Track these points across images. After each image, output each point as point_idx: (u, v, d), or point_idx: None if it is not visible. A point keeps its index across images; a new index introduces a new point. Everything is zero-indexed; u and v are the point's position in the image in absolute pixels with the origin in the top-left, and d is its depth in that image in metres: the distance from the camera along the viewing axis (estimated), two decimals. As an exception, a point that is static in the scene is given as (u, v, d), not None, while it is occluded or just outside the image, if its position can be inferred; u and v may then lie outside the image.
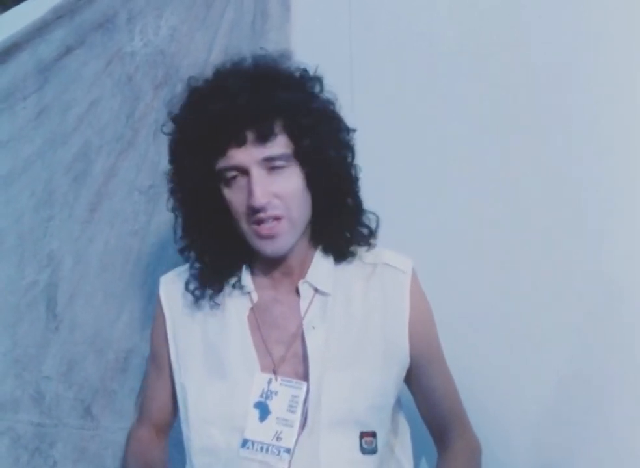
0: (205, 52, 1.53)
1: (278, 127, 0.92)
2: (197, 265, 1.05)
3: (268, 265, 1.03)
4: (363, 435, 0.97)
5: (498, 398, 1.24)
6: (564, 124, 1.21)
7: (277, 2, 1.48)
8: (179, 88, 1.56)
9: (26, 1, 1.86)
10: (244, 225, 0.96)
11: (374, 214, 1.05)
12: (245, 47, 1.49)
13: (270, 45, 1.45)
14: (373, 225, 1.05)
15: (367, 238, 1.05)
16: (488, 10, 1.28)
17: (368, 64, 1.38)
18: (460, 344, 1.18)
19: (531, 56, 1.24)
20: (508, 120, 1.26)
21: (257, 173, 0.92)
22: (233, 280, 1.03)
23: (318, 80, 1.00)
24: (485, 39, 1.29)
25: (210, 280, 1.03)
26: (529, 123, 1.24)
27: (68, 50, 1.71)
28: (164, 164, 1.59)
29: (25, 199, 1.75)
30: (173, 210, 1.04)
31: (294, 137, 0.94)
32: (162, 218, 1.54)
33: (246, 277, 1.04)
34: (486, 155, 1.27)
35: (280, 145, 0.93)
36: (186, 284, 1.05)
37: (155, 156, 1.58)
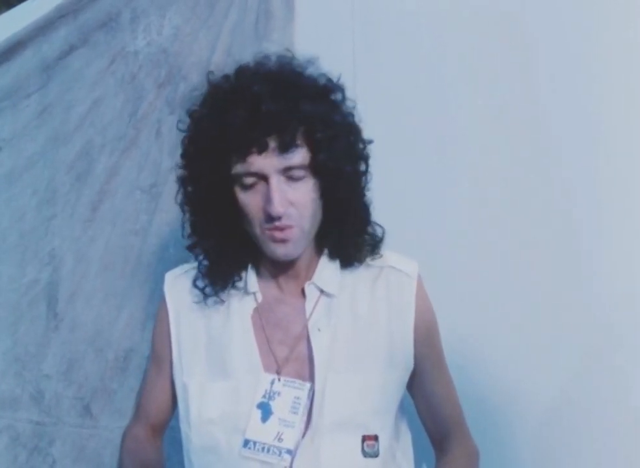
0: (208, 52, 1.53)
1: (299, 138, 0.92)
2: (204, 262, 1.04)
3: (274, 266, 1.03)
4: (365, 438, 0.97)
5: (500, 401, 1.23)
6: (567, 129, 1.21)
7: (280, 2, 1.48)
8: (183, 87, 1.57)
9: (29, 0, 1.86)
10: (257, 229, 0.95)
11: (380, 226, 1.05)
12: (248, 48, 1.49)
13: (274, 46, 1.45)
14: (378, 237, 1.05)
15: (372, 247, 1.05)
16: (492, 11, 1.28)
17: (371, 65, 1.38)
18: (461, 348, 1.18)
19: (532, 56, 1.24)
20: (512, 121, 1.26)
21: (277, 181, 0.92)
22: (237, 279, 1.03)
23: (341, 89, 1.00)
24: (488, 40, 1.29)
25: (215, 277, 1.02)
26: (532, 124, 1.24)
27: (71, 49, 1.71)
28: (166, 163, 1.61)
29: (27, 197, 1.75)
30: (182, 205, 1.02)
31: (312, 149, 0.94)
32: (163, 217, 1.54)
33: (251, 277, 1.04)
34: (490, 156, 1.27)
35: (299, 155, 0.92)
36: (194, 281, 1.05)
37: (157, 155, 1.58)
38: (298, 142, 0.92)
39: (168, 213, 1.53)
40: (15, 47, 1.80)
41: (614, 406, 1.15)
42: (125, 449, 1.12)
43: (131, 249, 1.57)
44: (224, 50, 1.51)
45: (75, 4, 1.69)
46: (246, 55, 1.49)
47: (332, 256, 1.04)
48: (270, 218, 0.92)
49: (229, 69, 1.50)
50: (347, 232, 1.02)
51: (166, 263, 1.52)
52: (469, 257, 1.28)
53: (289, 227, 0.94)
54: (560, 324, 1.20)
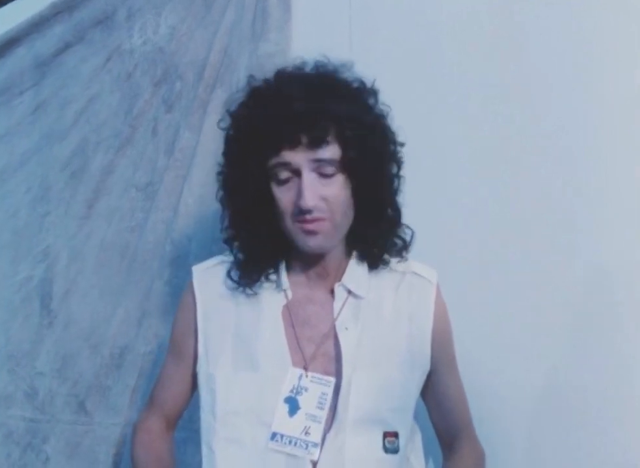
0: (204, 51, 1.53)
1: (330, 135, 0.97)
2: (239, 255, 1.08)
3: (305, 265, 1.07)
4: (386, 434, 1.01)
5: (494, 400, 1.25)
6: (565, 131, 1.23)
7: (277, 2, 1.48)
8: (179, 86, 1.58)
9: (23, -4, 1.86)
10: (289, 222, 0.99)
11: (410, 228, 1.09)
12: (245, 47, 1.50)
13: (270, 46, 1.46)
14: (407, 239, 1.09)
15: (400, 250, 1.09)
16: (489, 11, 1.30)
17: (368, 65, 1.38)
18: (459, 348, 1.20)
19: (530, 56, 1.26)
20: (510, 122, 1.27)
21: (308, 175, 0.97)
22: (270, 273, 1.07)
23: (374, 92, 1.05)
24: (485, 40, 1.30)
25: (250, 269, 1.06)
26: (530, 126, 1.26)
27: (66, 46, 1.71)
28: (162, 161, 1.61)
29: (21, 194, 1.75)
30: (222, 201, 1.07)
31: (342, 146, 0.99)
32: (159, 215, 1.55)
33: (282, 274, 1.08)
34: (489, 157, 1.29)
35: (330, 151, 0.97)
36: (228, 272, 1.08)
37: (152, 153, 1.58)
38: (329, 139, 0.97)
39: (163, 211, 1.54)
40: (9, 43, 1.80)
41: (608, 405, 1.16)
42: (138, 441, 1.14)
43: (127, 247, 1.58)
44: (220, 49, 1.51)
45: (70, 1, 1.70)
46: (243, 54, 1.52)
47: (361, 258, 1.09)
48: (301, 211, 0.97)
49: (225, 68, 1.54)
50: (377, 233, 1.06)
51: (161, 261, 1.53)
52: (462, 258, 1.29)
53: (319, 219, 0.98)
54: (555, 323, 1.21)
